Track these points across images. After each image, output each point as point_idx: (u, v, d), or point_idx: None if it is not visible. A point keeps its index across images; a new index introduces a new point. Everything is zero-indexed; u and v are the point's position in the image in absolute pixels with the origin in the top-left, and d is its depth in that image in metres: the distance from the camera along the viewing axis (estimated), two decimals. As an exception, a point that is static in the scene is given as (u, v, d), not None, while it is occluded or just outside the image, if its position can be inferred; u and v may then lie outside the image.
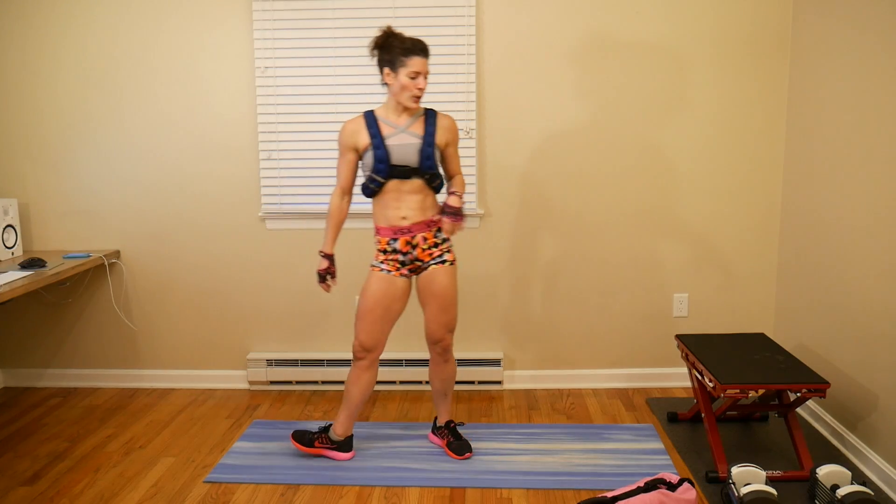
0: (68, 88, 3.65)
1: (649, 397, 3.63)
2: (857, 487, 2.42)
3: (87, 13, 3.58)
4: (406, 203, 2.77)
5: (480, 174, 3.64)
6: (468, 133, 3.58)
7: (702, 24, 3.49)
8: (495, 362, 3.73)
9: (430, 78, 3.53)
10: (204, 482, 2.84)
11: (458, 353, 3.73)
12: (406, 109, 2.76)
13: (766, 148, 3.58)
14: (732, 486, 2.54)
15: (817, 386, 2.67)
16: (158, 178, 3.71)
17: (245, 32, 3.57)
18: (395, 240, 2.80)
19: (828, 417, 3.16)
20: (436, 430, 3.13)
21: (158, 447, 3.15)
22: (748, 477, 2.54)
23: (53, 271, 3.23)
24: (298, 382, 3.80)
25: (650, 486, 2.51)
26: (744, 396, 2.72)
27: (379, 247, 2.84)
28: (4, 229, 3.51)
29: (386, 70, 2.71)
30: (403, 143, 2.73)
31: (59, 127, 3.68)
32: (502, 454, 3.02)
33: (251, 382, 3.82)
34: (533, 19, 3.52)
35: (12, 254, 3.56)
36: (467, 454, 2.96)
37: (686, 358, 3.07)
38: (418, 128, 2.77)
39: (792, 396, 2.87)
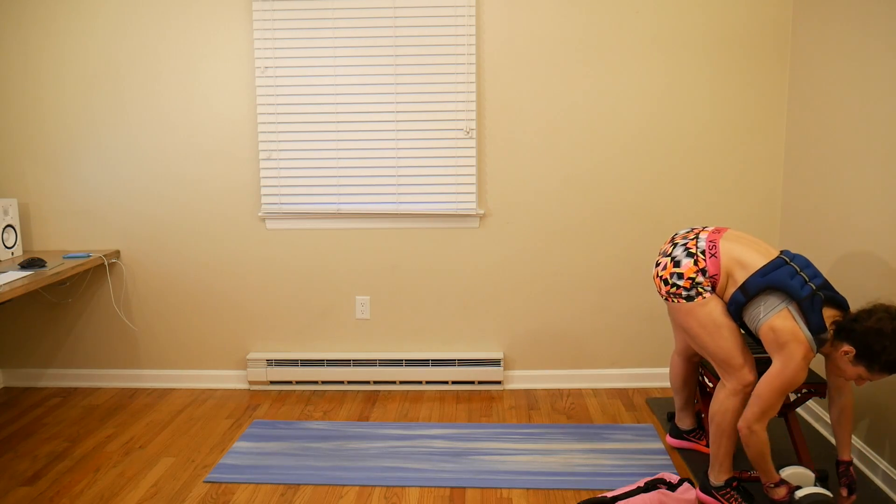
0: (68, 88, 3.65)
1: (649, 397, 3.63)
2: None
3: (88, 14, 3.58)
4: None
5: (480, 174, 3.64)
6: (468, 133, 3.58)
7: (701, 24, 3.49)
8: (495, 362, 3.73)
9: (431, 78, 3.54)
10: (204, 482, 2.84)
11: (458, 353, 3.73)
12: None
13: (767, 147, 3.58)
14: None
15: (817, 386, 2.67)
16: (158, 178, 3.71)
17: (245, 32, 3.57)
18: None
19: (828, 417, 3.16)
20: None
21: (158, 447, 3.15)
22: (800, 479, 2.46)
23: (53, 271, 3.23)
24: (298, 382, 3.80)
25: (650, 486, 2.52)
26: (744, 396, 2.71)
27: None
28: (4, 229, 3.51)
29: (852, 352, 2.31)
30: None
31: (60, 127, 3.68)
32: (502, 454, 3.02)
33: (251, 382, 3.82)
34: (533, 19, 3.52)
35: (12, 254, 3.56)
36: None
37: (686, 358, 3.07)
38: None
39: (792, 396, 2.86)
